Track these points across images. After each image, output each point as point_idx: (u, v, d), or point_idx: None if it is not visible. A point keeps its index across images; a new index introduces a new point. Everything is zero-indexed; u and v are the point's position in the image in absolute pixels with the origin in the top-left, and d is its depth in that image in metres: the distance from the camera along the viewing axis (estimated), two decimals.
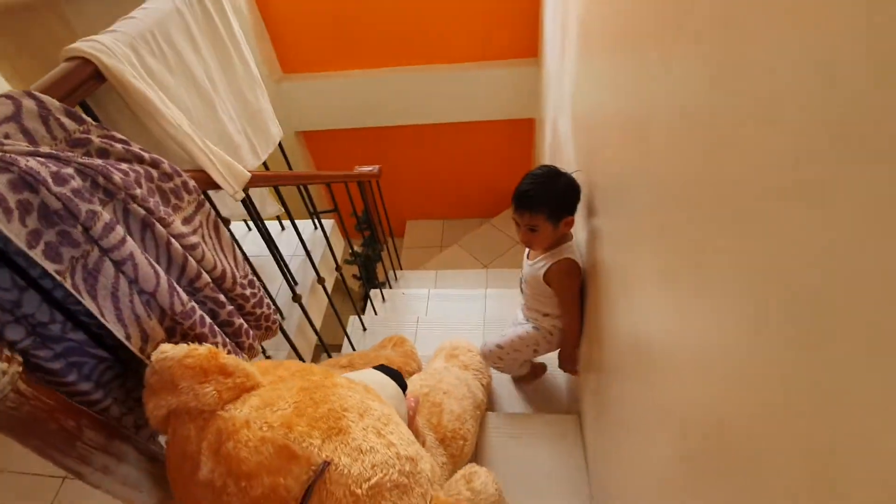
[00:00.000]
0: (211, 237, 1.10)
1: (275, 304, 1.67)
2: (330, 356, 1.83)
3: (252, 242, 1.99)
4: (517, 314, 1.68)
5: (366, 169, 2.58)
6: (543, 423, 1.57)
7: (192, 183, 1.05)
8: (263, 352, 1.71)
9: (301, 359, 1.60)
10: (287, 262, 1.85)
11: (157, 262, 0.92)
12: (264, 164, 1.70)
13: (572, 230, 1.34)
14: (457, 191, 4.12)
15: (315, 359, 1.95)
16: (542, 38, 2.78)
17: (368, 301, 2.69)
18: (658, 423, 0.73)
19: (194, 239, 1.01)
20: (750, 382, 0.44)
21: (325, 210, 1.99)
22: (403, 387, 1.11)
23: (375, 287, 2.94)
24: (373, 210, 2.80)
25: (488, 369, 1.75)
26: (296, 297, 1.59)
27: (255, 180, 1.24)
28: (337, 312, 1.95)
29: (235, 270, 1.14)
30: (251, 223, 1.77)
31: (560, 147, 1.96)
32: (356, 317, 2.44)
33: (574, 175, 1.28)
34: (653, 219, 0.75)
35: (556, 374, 1.89)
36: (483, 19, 2.96)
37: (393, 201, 4.26)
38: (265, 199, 1.91)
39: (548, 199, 1.24)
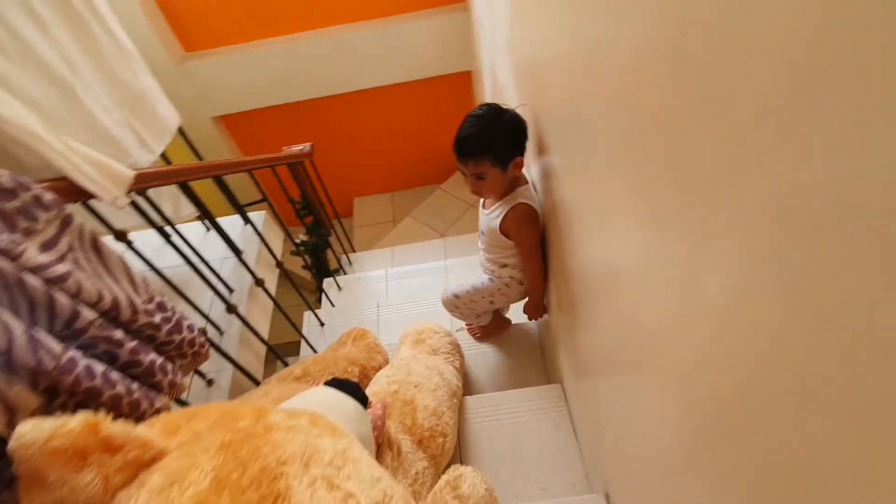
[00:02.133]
0: (90, 261, 0.87)
1: (208, 319, 1.46)
2: (286, 364, 1.64)
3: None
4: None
5: (295, 149, 2.33)
6: (525, 398, 1.46)
7: (48, 196, 0.82)
8: (203, 377, 1.50)
9: (249, 376, 1.41)
10: (217, 268, 1.63)
11: (8, 309, 0.70)
12: (165, 157, 1.44)
13: (525, 171, 1.22)
14: (402, 159, 3.88)
15: (269, 369, 1.75)
16: None
17: (323, 293, 2.49)
18: (638, 365, 0.68)
19: (63, 268, 0.79)
20: (735, 308, 0.40)
21: (253, 202, 1.74)
22: (363, 399, 0.95)
23: (328, 276, 2.73)
24: (311, 193, 2.55)
25: (459, 350, 1.62)
26: (230, 308, 1.38)
27: (146, 179, 1.01)
28: (285, 313, 1.75)
29: (134, 296, 0.92)
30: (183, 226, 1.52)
31: (501, 94, 1.78)
32: (311, 312, 2.24)
33: (519, 110, 1.13)
34: (622, 144, 0.63)
35: (530, 341, 1.79)
36: None
37: (335, 179, 3.98)
38: (179, 200, 1.65)
39: (491, 141, 1.11)
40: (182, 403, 1.22)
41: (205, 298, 1.69)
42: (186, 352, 1.04)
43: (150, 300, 0.95)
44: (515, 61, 1.42)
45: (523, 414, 1.42)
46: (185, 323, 1.01)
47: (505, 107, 1.14)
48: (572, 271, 1.02)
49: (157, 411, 0.85)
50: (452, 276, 2.58)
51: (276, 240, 2.01)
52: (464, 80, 3.25)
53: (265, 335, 1.79)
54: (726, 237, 0.40)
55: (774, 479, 0.39)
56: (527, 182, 1.23)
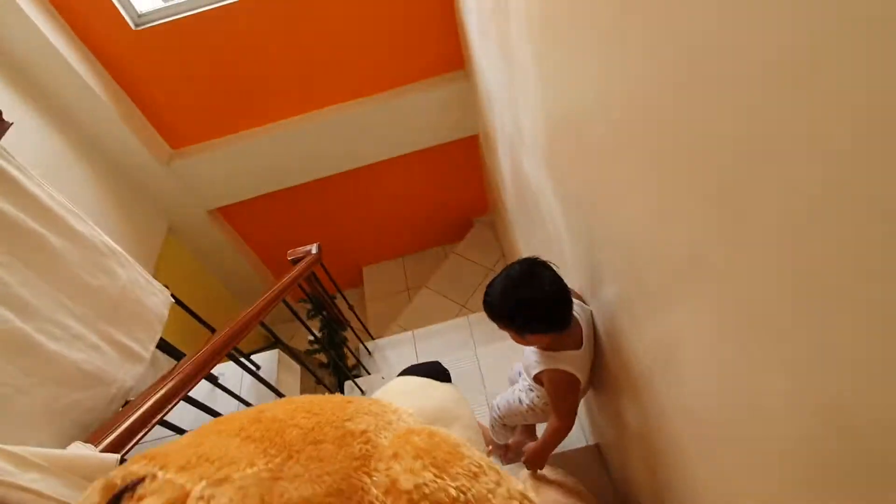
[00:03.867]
0: None
1: None
2: None
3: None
4: (514, 367, 1.47)
5: (300, 254, 2.11)
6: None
7: None
8: None
9: None
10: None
11: None
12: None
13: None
14: (411, 224, 3.68)
15: None
16: (467, 45, 2.37)
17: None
18: None
19: None
20: None
21: (259, 349, 1.51)
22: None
23: (347, 375, 2.49)
24: (323, 295, 2.33)
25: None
26: None
27: (130, 433, 0.77)
28: None
29: None
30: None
31: (524, 178, 1.55)
32: None
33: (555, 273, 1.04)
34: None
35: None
36: (392, 41, 2.52)
37: (342, 250, 3.78)
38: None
39: (504, 314, 1.05)
40: None
41: None
42: None
43: None
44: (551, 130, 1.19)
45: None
46: None
47: (538, 271, 1.04)
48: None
49: None
50: (484, 364, 2.33)
51: (293, 379, 1.77)
52: (471, 144, 3.06)
53: None
54: None
55: None
56: (575, 348, 1.09)
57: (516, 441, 1.63)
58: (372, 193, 3.34)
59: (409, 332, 2.82)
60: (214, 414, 1.29)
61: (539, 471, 1.28)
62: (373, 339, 2.89)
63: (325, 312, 2.54)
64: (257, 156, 2.76)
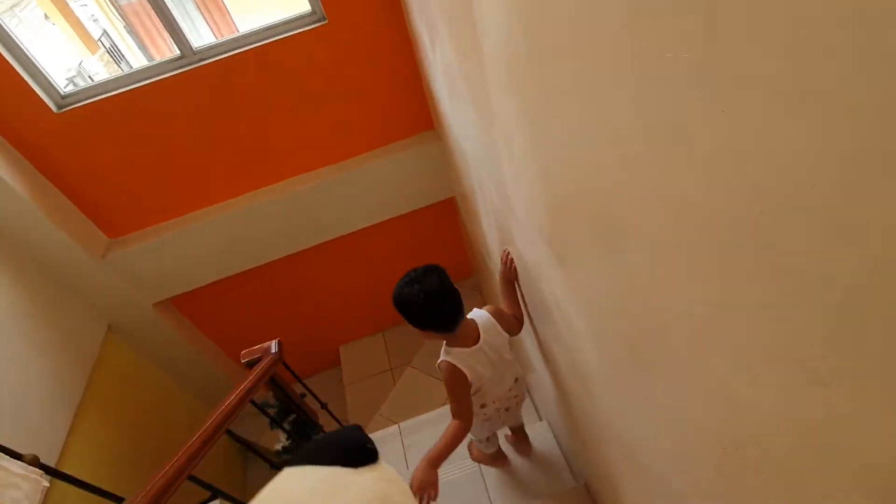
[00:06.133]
0: None
1: None
2: None
3: None
4: None
5: (257, 354, 1.77)
6: None
7: None
8: None
9: None
10: None
11: None
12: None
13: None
14: (388, 296, 3.35)
15: None
16: (435, 105, 2.17)
17: None
18: None
19: None
20: None
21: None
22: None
23: None
24: (288, 397, 1.97)
25: None
26: None
27: None
28: None
29: None
30: None
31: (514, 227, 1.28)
32: None
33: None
34: None
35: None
36: (354, 105, 2.31)
37: (313, 331, 3.42)
38: None
39: (400, 311, 1.23)
40: None
41: None
42: None
43: None
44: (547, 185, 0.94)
45: None
46: None
47: (434, 274, 1.20)
48: None
49: None
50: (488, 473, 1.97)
51: None
52: (447, 207, 2.82)
53: None
54: None
55: None
56: (462, 345, 1.26)
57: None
58: (345, 267, 3.04)
59: (396, 426, 2.44)
60: None
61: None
62: None
63: (292, 415, 2.16)
64: (210, 239, 2.46)
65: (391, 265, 3.17)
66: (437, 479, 1.20)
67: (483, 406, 1.45)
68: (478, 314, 1.33)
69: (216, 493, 1.12)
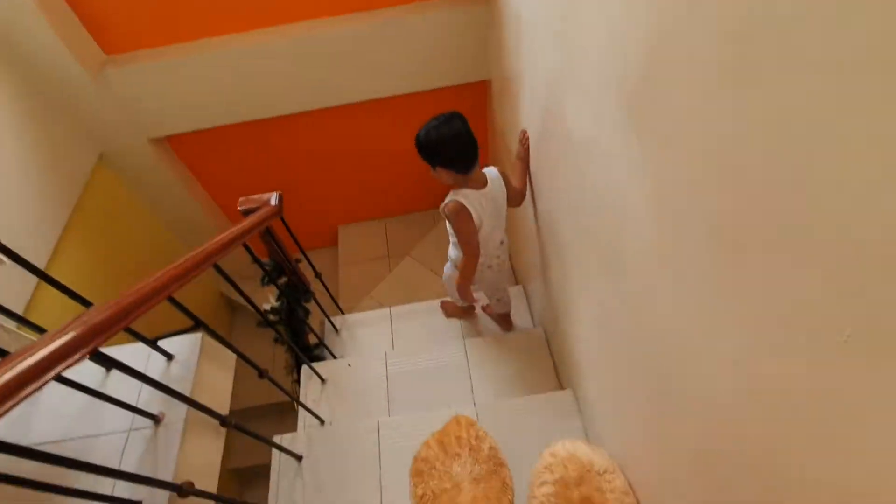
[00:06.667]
0: None
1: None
2: None
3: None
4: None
5: (254, 204, 1.63)
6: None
7: None
8: None
9: None
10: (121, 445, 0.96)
11: None
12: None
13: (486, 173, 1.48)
14: (398, 182, 3.18)
15: None
16: None
17: (300, 387, 1.82)
18: None
19: None
20: None
21: (175, 332, 1.07)
22: None
23: (309, 357, 2.07)
24: (283, 257, 1.87)
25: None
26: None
27: None
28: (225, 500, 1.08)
29: None
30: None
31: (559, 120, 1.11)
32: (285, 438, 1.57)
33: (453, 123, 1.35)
34: None
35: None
36: None
37: (314, 204, 3.27)
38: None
39: (422, 146, 1.40)
40: None
41: (104, 485, 1.02)
42: None
43: None
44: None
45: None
46: None
47: (460, 120, 1.36)
48: None
49: None
50: (473, 355, 1.94)
51: (222, 374, 1.32)
52: (478, 92, 2.55)
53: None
54: None
55: None
56: (470, 186, 1.43)
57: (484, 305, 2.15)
58: (356, 139, 2.82)
59: (386, 309, 2.39)
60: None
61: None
62: (342, 313, 2.45)
63: (284, 278, 2.09)
64: (216, 75, 2.21)
65: (405, 148, 2.96)
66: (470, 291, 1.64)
67: (455, 244, 1.64)
68: (488, 169, 1.50)
69: (199, 325, 1.03)
